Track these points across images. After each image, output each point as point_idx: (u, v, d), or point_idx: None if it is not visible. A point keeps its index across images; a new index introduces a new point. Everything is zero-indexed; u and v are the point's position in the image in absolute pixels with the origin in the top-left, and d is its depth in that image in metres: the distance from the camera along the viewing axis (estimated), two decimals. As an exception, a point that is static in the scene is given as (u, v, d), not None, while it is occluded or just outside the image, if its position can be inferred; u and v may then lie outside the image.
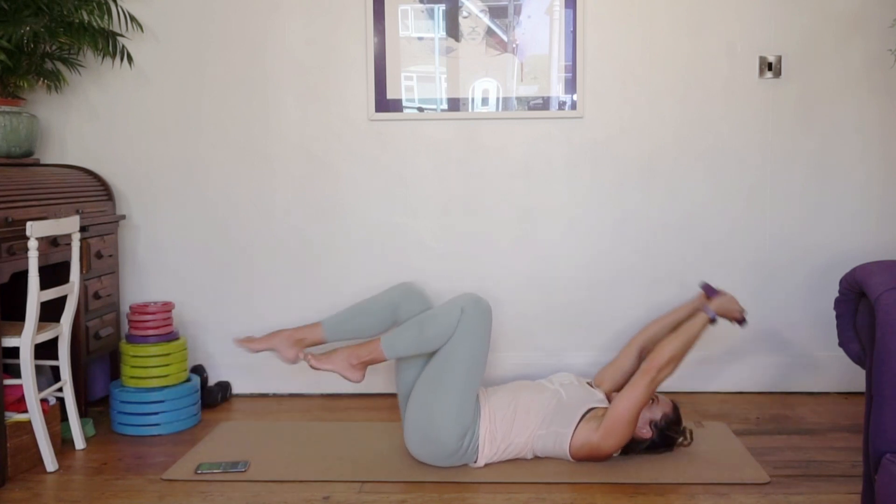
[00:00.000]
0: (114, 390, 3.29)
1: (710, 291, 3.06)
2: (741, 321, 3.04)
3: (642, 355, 3.10)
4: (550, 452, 2.83)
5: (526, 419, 2.82)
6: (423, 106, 3.69)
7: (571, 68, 3.63)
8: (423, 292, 3.08)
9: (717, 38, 3.61)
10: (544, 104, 3.66)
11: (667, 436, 2.85)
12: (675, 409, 2.91)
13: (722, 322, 3.67)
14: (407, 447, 2.86)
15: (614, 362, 3.14)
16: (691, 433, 2.92)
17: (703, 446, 2.98)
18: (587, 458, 2.78)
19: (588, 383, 3.05)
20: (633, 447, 2.84)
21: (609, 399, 2.94)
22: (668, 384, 3.56)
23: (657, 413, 2.86)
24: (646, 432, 2.83)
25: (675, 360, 2.79)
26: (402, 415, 2.94)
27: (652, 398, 2.88)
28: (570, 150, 3.69)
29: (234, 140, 3.74)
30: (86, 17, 3.47)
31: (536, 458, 2.86)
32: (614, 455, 2.83)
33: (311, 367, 2.90)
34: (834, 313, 2.62)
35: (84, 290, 3.31)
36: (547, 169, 3.70)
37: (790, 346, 3.70)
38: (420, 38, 3.66)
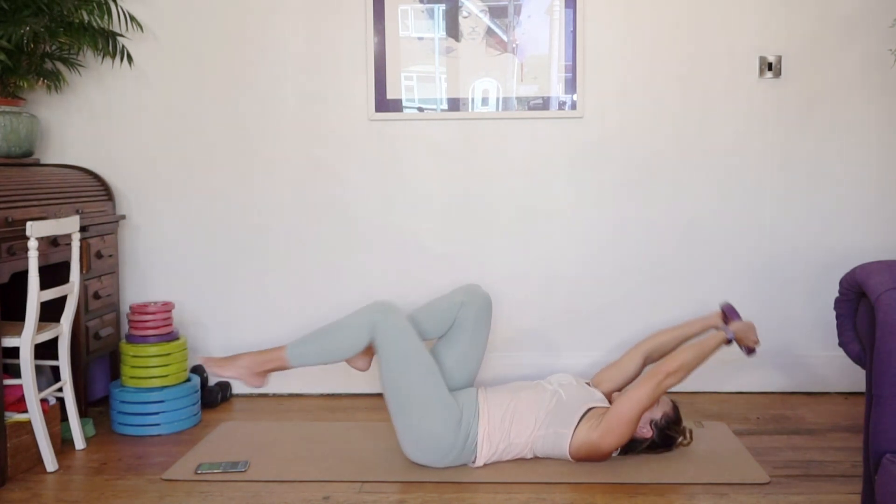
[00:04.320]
0: (114, 390, 3.29)
1: (731, 313, 3.02)
2: (751, 350, 3.00)
3: (646, 362, 3.10)
4: (550, 453, 2.83)
5: (525, 420, 2.82)
6: (423, 106, 3.69)
7: (571, 68, 3.63)
8: (487, 294, 3.09)
9: (717, 38, 3.62)
10: (544, 104, 3.66)
11: (667, 435, 2.85)
12: (676, 408, 2.91)
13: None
14: (405, 454, 2.85)
15: (616, 364, 3.13)
16: (691, 433, 2.92)
17: (703, 446, 2.98)
18: (586, 457, 2.78)
19: (587, 383, 3.05)
20: (633, 447, 2.84)
21: (609, 399, 2.94)
22: (668, 384, 3.57)
23: (657, 413, 2.85)
24: (646, 431, 2.82)
25: (685, 369, 2.78)
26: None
27: None
28: (570, 150, 3.69)
29: (234, 140, 3.74)
30: (86, 17, 3.47)
31: (536, 458, 2.86)
32: (613, 455, 2.83)
33: (212, 372, 2.90)
34: (834, 313, 2.61)
35: (84, 290, 3.31)
36: (547, 169, 3.70)
37: (790, 346, 3.70)
38: (420, 38, 3.66)
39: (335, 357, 2.86)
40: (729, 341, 2.92)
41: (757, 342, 2.98)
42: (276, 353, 2.86)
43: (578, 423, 2.77)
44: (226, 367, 2.88)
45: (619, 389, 3.03)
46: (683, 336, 3.08)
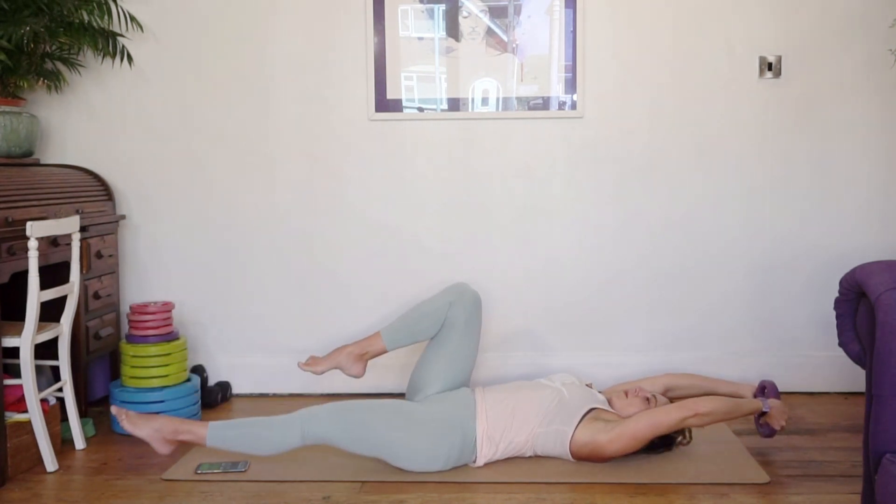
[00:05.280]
0: (114, 390, 3.30)
1: (772, 390, 3.04)
2: (771, 433, 2.99)
3: (665, 394, 3.12)
4: (551, 451, 2.82)
5: (526, 417, 2.82)
6: (423, 106, 3.69)
7: (571, 68, 3.63)
8: (475, 292, 3.12)
9: (717, 38, 3.61)
10: (544, 104, 3.66)
11: (666, 435, 2.85)
12: None
13: (724, 328, 3.70)
14: (404, 469, 2.81)
15: (635, 384, 3.14)
16: (690, 432, 2.91)
17: (703, 446, 2.98)
18: (587, 457, 2.78)
19: (588, 385, 3.05)
20: None
21: (609, 403, 2.94)
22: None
23: None
24: None
25: (713, 418, 2.77)
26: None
27: (648, 398, 2.89)
28: (570, 150, 3.69)
29: (234, 140, 3.74)
30: (86, 17, 3.47)
31: (537, 456, 2.86)
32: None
33: (122, 426, 2.78)
34: (834, 313, 2.61)
35: (84, 290, 3.31)
36: (547, 169, 3.70)
37: (790, 346, 3.70)
38: (420, 38, 3.65)
39: (256, 450, 2.74)
40: (763, 413, 2.94)
41: (783, 427, 2.96)
42: (196, 428, 2.76)
43: (580, 422, 2.77)
44: (139, 425, 2.76)
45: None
46: (710, 391, 3.10)
